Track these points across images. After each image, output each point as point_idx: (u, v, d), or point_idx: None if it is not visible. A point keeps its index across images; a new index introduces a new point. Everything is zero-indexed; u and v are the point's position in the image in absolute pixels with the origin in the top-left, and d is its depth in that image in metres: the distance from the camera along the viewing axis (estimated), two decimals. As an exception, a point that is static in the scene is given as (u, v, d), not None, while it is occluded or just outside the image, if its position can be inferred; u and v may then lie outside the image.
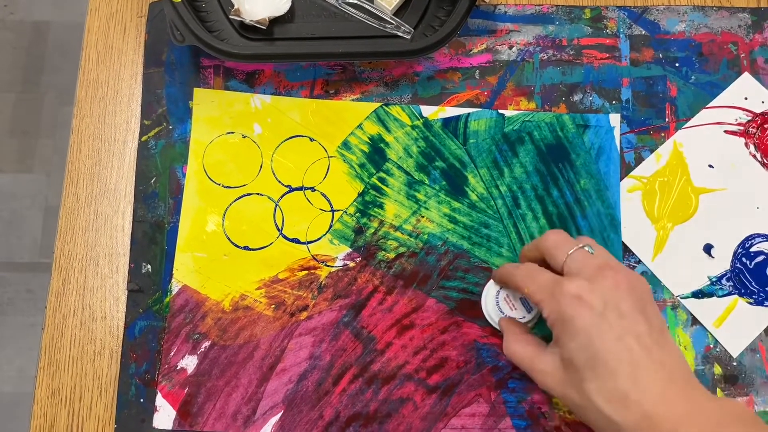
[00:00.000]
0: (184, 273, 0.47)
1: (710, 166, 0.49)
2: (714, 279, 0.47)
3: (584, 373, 0.36)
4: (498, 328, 0.44)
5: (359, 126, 0.49)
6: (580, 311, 0.36)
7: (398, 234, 0.48)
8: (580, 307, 0.36)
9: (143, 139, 0.49)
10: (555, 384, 0.38)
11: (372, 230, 0.48)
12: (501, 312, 0.44)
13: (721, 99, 0.50)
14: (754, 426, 0.34)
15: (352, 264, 0.47)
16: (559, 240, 0.40)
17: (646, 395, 0.34)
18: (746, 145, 0.50)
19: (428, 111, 0.50)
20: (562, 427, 0.45)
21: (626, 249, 0.48)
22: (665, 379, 0.35)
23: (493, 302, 0.44)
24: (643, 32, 0.51)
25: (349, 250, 0.48)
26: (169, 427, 0.45)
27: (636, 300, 0.37)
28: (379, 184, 0.49)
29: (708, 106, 0.50)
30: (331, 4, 0.50)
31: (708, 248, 0.48)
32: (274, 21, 0.49)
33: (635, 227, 0.48)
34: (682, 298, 0.47)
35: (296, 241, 0.48)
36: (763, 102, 0.50)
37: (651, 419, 0.34)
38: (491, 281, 0.45)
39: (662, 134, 0.50)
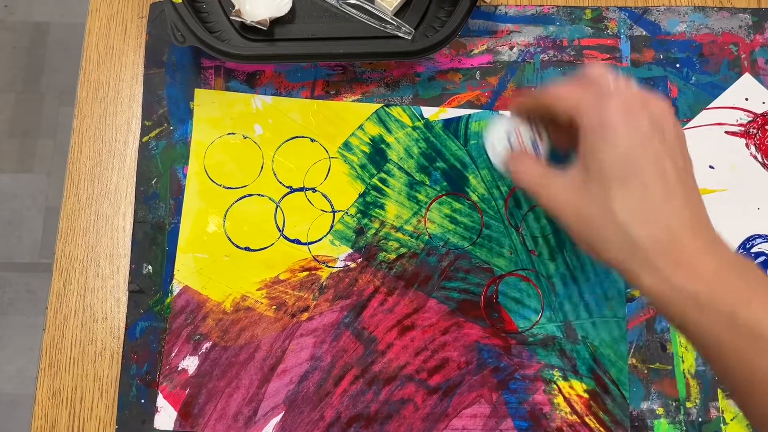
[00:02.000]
0: (185, 274, 0.47)
1: (711, 167, 0.49)
2: (715, 280, 0.47)
3: (613, 184, 0.34)
4: (499, 165, 0.41)
5: (360, 127, 0.49)
6: (627, 121, 0.34)
7: (399, 235, 0.48)
8: (628, 118, 0.34)
9: (144, 139, 0.49)
10: (570, 197, 0.36)
11: (373, 231, 0.48)
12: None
13: (722, 100, 0.50)
14: None
15: (353, 265, 0.47)
16: (605, 70, 0.37)
17: (676, 218, 0.33)
18: (747, 145, 0.50)
19: (429, 112, 0.50)
20: (563, 428, 0.45)
21: (627, 250, 0.48)
22: (694, 211, 0.34)
23: (500, 139, 0.41)
24: (644, 33, 0.51)
25: (350, 250, 0.48)
26: (170, 428, 0.45)
27: (678, 134, 0.36)
28: (380, 185, 0.49)
29: (708, 106, 0.50)
30: (331, 4, 0.50)
31: (709, 249, 0.48)
32: (275, 22, 0.49)
33: (636, 228, 0.48)
34: (683, 298, 0.47)
35: (297, 241, 0.48)
36: (763, 103, 0.50)
37: (675, 242, 0.33)
38: (496, 119, 0.42)
39: (663, 135, 0.50)
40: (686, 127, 0.50)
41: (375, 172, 0.49)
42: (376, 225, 0.48)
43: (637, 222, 0.33)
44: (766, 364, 0.30)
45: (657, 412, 0.45)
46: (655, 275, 0.33)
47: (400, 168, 0.49)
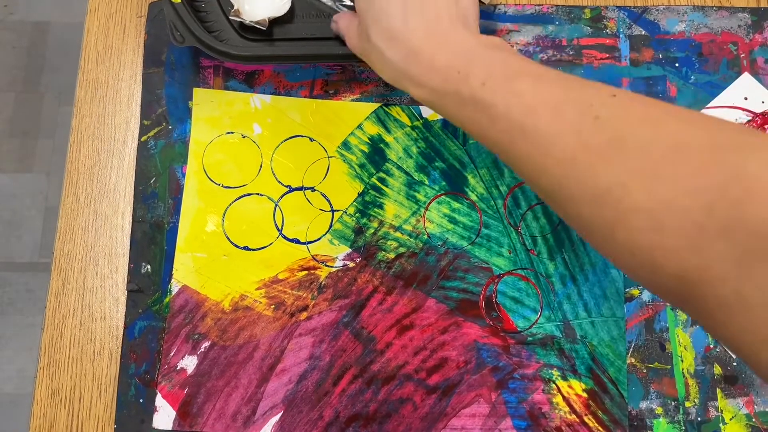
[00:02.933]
0: (184, 273, 0.47)
1: (710, 166, 0.49)
2: (714, 279, 0.47)
3: (367, 19, 0.40)
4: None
5: (359, 126, 0.49)
6: None
7: (398, 234, 0.48)
8: None
9: (143, 139, 0.49)
10: (356, 39, 0.42)
11: (372, 230, 0.48)
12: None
13: (721, 99, 0.50)
14: (505, 50, 0.37)
15: (351, 264, 0.47)
16: None
17: (414, 33, 0.38)
18: (746, 145, 0.49)
19: (428, 111, 0.50)
20: (562, 428, 0.45)
21: (626, 249, 0.48)
22: (432, 20, 0.38)
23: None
24: (643, 32, 0.51)
25: (348, 250, 0.48)
26: (169, 428, 0.45)
27: None
28: (379, 185, 0.49)
29: (708, 106, 0.50)
30: (328, 6, 0.50)
31: (708, 248, 0.48)
32: (274, 22, 0.49)
33: (635, 227, 0.48)
34: (682, 298, 0.47)
35: (296, 241, 0.48)
36: (763, 102, 0.50)
37: (415, 52, 0.37)
38: None
39: (662, 134, 0.50)
40: (685, 126, 0.50)
41: (374, 172, 0.49)
42: (375, 224, 0.48)
43: (386, 44, 0.39)
44: (496, 132, 0.34)
45: (656, 411, 0.45)
46: (416, 85, 0.38)
47: (399, 167, 0.49)
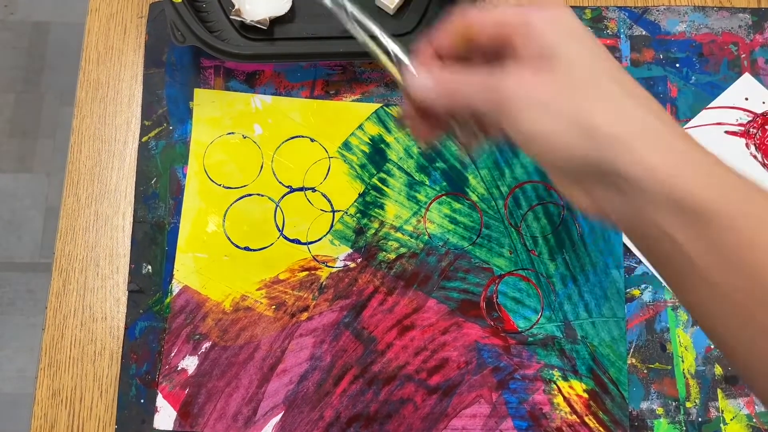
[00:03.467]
0: (185, 274, 0.47)
1: (711, 166, 0.49)
2: (715, 279, 0.47)
3: (581, 89, 0.29)
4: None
5: (360, 127, 0.49)
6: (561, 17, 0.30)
7: (399, 235, 0.48)
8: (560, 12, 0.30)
9: (144, 139, 0.49)
10: (536, 92, 0.29)
11: (372, 231, 0.48)
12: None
13: (722, 99, 0.50)
14: (695, 143, 0.29)
15: (352, 265, 0.47)
16: None
17: (648, 113, 0.29)
18: (747, 145, 0.50)
19: (429, 111, 0.50)
20: (563, 428, 0.45)
21: (627, 249, 0.48)
22: (658, 107, 0.30)
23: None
24: (644, 33, 0.51)
25: (349, 250, 0.48)
26: (170, 428, 0.45)
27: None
28: (380, 185, 0.49)
29: (708, 106, 0.50)
30: (329, 7, 0.49)
31: (709, 249, 0.48)
32: (275, 21, 0.49)
33: (636, 228, 0.48)
34: (682, 298, 0.47)
35: (297, 241, 0.48)
36: (763, 102, 0.50)
37: (654, 129, 0.28)
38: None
39: (663, 135, 0.50)
40: (686, 127, 0.50)
41: (375, 172, 0.49)
42: (376, 225, 0.48)
43: (611, 124, 0.28)
44: (699, 246, 0.27)
45: (657, 411, 0.45)
46: (616, 184, 0.28)
47: (400, 168, 0.49)
